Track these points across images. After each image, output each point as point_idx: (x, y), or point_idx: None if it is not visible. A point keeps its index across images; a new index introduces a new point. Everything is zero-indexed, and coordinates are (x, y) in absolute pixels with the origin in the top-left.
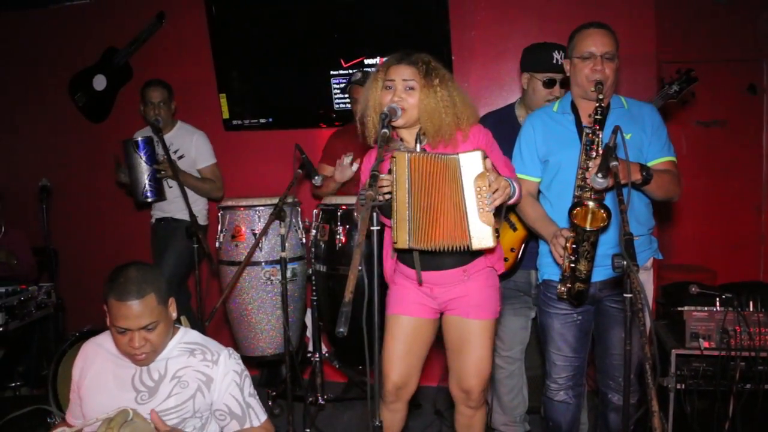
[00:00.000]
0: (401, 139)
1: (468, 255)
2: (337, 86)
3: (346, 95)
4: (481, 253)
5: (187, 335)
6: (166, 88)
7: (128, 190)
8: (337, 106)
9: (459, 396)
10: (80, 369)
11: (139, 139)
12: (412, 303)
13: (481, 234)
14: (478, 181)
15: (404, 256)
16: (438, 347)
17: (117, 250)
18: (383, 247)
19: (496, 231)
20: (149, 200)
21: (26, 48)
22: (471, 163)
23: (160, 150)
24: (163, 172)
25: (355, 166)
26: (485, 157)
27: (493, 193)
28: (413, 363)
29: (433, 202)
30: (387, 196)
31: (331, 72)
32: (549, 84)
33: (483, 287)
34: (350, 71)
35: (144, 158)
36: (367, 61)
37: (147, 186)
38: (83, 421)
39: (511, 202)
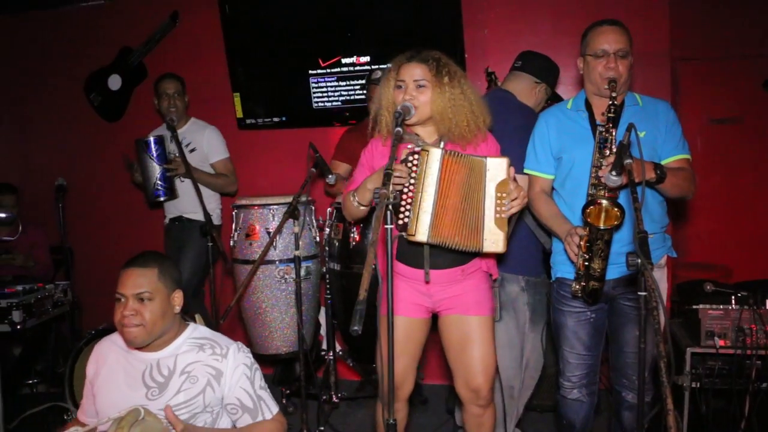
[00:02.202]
0: (416, 135)
1: (466, 255)
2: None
3: (363, 92)
4: (478, 254)
5: (196, 331)
6: (179, 81)
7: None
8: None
9: (468, 396)
10: (94, 367)
11: (150, 138)
12: (406, 303)
13: (494, 238)
14: (499, 187)
15: (402, 253)
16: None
17: (132, 249)
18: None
19: (507, 237)
20: (160, 199)
21: (42, 49)
22: (496, 168)
23: (172, 148)
24: (173, 171)
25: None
26: (510, 165)
27: (512, 201)
28: (408, 363)
29: (456, 201)
30: (398, 187)
31: None
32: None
33: (479, 285)
34: (370, 69)
35: (154, 158)
36: None
37: (158, 185)
38: (96, 420)
39: None
